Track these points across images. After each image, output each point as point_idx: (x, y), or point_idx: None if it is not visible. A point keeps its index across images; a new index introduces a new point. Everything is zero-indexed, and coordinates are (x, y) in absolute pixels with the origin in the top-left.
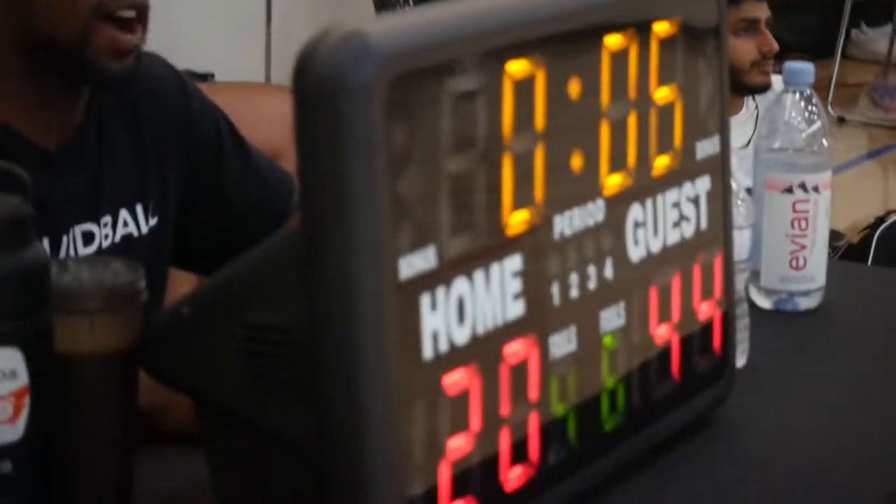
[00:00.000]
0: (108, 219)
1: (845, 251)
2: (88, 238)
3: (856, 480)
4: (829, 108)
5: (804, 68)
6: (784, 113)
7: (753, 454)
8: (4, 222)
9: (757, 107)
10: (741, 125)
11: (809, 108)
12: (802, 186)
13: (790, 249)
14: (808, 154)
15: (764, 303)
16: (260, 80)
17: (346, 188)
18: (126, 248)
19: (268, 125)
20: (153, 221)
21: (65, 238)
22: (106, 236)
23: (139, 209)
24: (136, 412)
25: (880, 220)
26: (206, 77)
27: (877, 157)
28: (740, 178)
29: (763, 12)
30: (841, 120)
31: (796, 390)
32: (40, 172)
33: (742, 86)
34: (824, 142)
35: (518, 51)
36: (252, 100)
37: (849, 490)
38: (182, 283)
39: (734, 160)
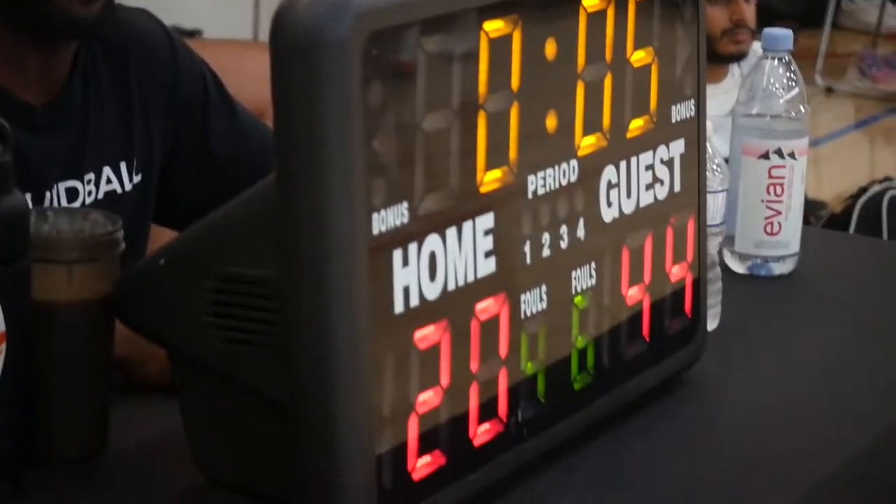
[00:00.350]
0: (91, 175)
1: (828, 220)
2: (72, 194)
3: (821, 444)
4: (818, 77)
5: (783, 34)
6: (762, 79)
7: (722, 416)
8: None
9: (742, 74)
10: (726, 92)
11: (788, 74)
12: (779, 152)
13: (765, 215)
14: (785, 120)
15: (738, 267)
16: (248, 37)
17: (321, 143)
18: (110, 204)
19: (254, 83)
20: (137, 179)
21: (48, 194)
22: (90, 193)
23: (123, 167)
24: (112, 360)
25: (863, 189)
26: (194, 33)
27: (864, 126)
28: (718, 145)
29: None
30: (829, 90)
31: (766, 354)
32: (25, 129)
33: (714, 54)
34: (802, 108)
35: (495, 10)
36: (239, 57)
37: (814, 453)
38: (164, 240)
39: (711, 126)
